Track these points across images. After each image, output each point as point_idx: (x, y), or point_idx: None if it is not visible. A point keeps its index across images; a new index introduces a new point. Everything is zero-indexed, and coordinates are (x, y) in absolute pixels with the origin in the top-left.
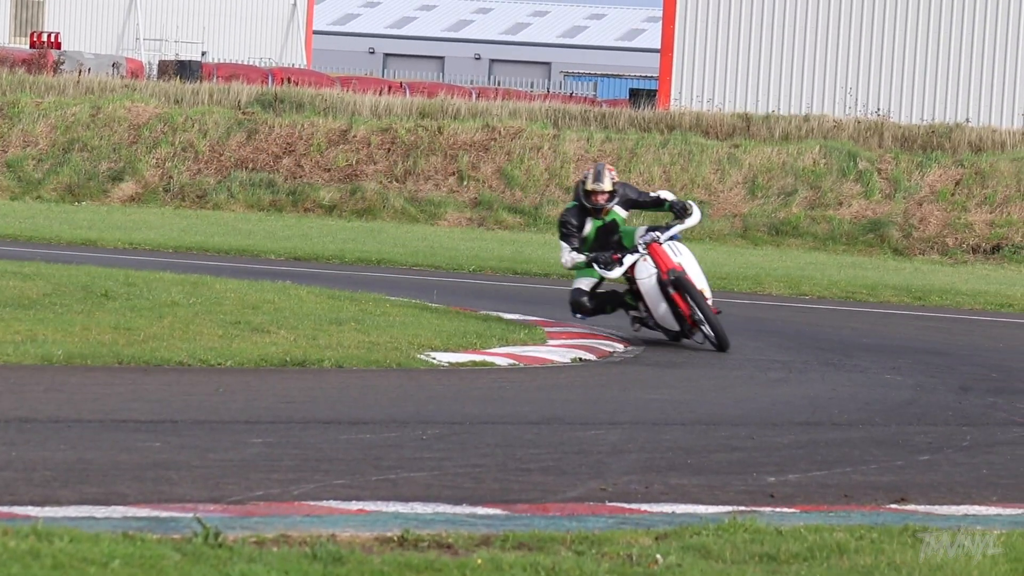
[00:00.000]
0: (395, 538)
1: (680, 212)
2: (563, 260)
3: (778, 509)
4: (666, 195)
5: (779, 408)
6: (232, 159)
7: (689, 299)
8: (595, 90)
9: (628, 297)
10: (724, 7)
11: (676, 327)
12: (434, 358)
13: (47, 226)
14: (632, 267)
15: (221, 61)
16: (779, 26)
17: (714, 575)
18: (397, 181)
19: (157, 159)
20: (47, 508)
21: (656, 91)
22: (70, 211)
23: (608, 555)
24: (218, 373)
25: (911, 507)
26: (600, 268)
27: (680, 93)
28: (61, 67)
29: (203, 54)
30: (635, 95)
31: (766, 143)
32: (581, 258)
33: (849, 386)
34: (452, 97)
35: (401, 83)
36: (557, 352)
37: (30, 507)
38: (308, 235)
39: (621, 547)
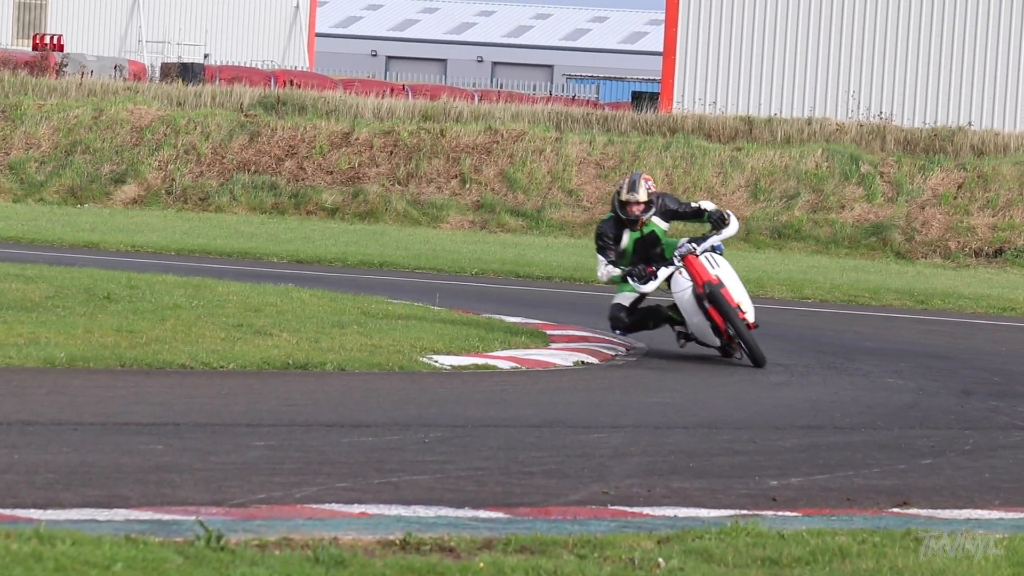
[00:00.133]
0: (397, 541)
1: (717, 223)
2: (599, 274)
3: (780, 513)
4: (707, 205)
5: (781, 411)
6: (234, 162)
7: (723, 313)
8: (597, 93)
9: (672, 312)
10: (726, 10)
11: (716, 342)
12: (436, 361)
13: (49, 228)
14: (669, 280)
15: (223, 63)
16: (781, 29)
17: None
18: (399, 184)
19: (159, 161)
20: (49, 511)
21: (658, 94)
22: (72, 213)
23: (610, 559)
24: (220, 376)
25: (913, 511)
26: (634, 282)
27: (682, 96)
28: (64, 69)
29: (205, 56)
30: (637, 98)
31: (768, 146)
32: (617, 272)
33: (851, 390)
34: (454, 100)
35: (403, 86)
36: (559, 355)
37: (32, 510)
38: (310, 238)
39: (623, 551)
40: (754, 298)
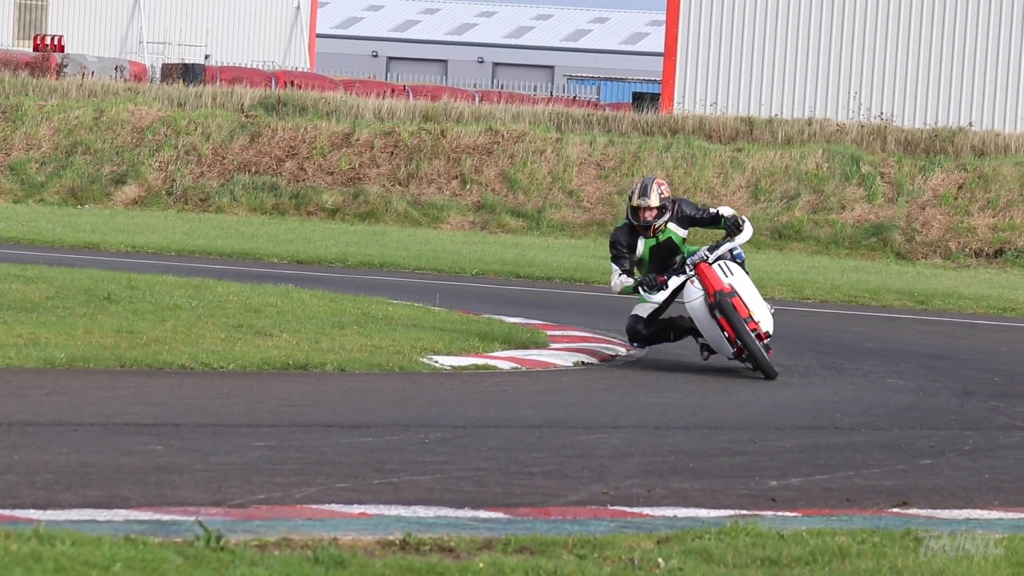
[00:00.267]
0: (397, 542)
1: (731, 229)
2: (612, 283)
3: (780, 513)
4: (725, 211)
5: (781, 412)
6: (235, 162)
7: (731, 323)
8: (598, 93)
9: (694, 323)
10: (727, 11)
11: (730, 351)
12: (436, 362)
13: (50, 229)
14: (681, 289)
15: (224, 64)
16: (782, 30)
17: None
18: (400, 184)
19: (160, 162)
20: (49, 511)
21: (659, 95)
22: (73, 214)
23: (610, 559)
24: (220, 376)
25: (913, 511)
26: (645, 292)
27: (683, 97)
28: (64, 70)
29: (206, 57)
30: (638, 99)
31: (769, 147)
32: (630, 282)
33: (851, 390)
34: (455, 100)
35: (404, 86)
36: (559, 356)
37: (32, 510)
38: (311, 238)
39: (623, 551)
40: None
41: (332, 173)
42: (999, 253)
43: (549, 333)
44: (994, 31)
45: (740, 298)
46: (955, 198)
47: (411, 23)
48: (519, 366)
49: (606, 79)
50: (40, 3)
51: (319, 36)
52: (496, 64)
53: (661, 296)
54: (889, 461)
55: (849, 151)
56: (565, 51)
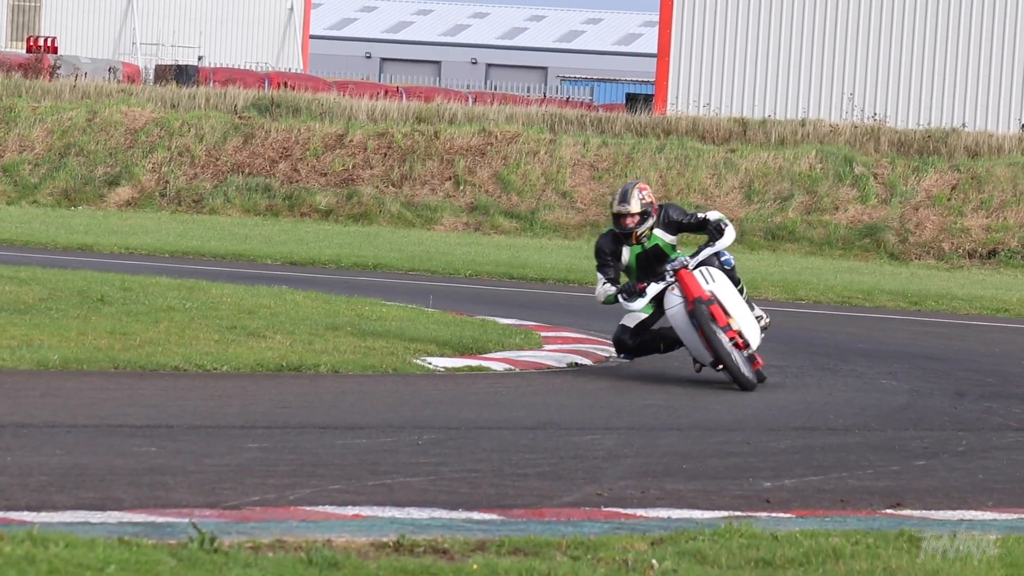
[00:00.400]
0: (391, 543)
1: (713, 233)
2: (596, 293)
3: (774, 514)
4: (711, 215)
5: (775, 413)
6: (228, 164)
7: (704, 331)
8: (592, 95)
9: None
10: (721, 12)
11: (709, 360)
12: (430, 363)
13: (43, 231)
14: (662, 296)
15: (218, 66)
16: (776, 31)
17: None
18: (393, 186)
19: (153, 164)
20: (43, 513)
21: (652, 96)
22: (66, 216)
23: (604, 560)
24: (214, 378)
25: (907, 512)
26: (624, 300)
27: (677, 98)
28: (58, 72)
29: (200, 59)
30: (632, 100)
31: (762, 148)
32: (612, 290)
33: (845, 391)
34: (448, 102)
35: (398, 88)
36: (553, 357)
37: (26, 512)
38: (304, 240)
39: (617, 552)
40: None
41: (325, 174)
42: (992, 254)
43: (543, 334)
44: (987, 32)
45: (720, 305)
46: (948, 199)
47: (404, 24)
48: (513, 367)
49: (599, 80)
50: (33, 4)
51: (312, 37)
52: (489, 65)
53: (640, 303)
54: (883, 462)
55: (842, 152)
56: (558, 52)
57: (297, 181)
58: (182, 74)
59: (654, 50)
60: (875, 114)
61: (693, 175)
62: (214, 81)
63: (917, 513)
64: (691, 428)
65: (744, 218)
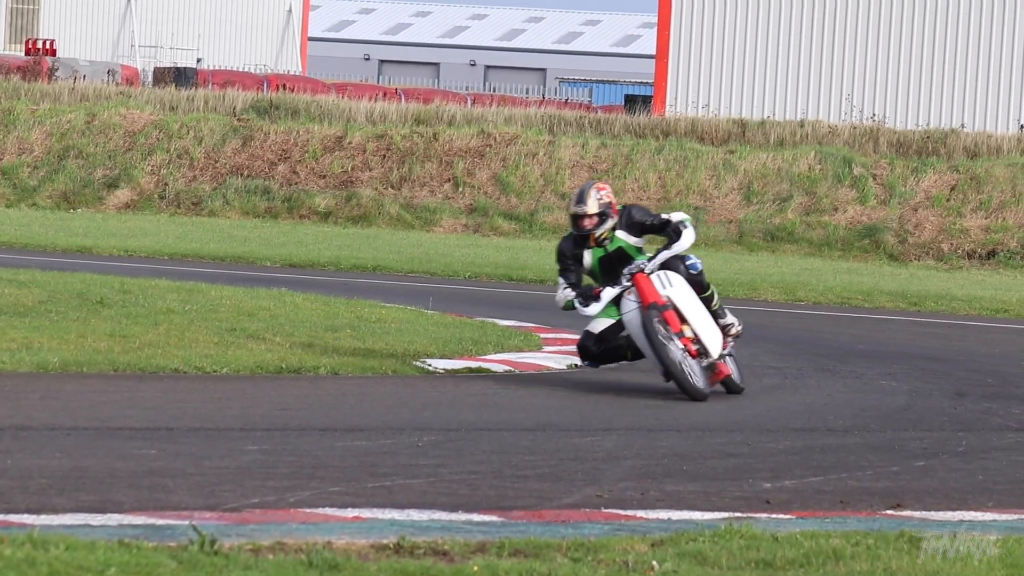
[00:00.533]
0: (391, 545)
1: (671, 235)
2: (556, 298)
3: (774, 515)
4: (675, 216)
5: (775, 414)
6: (227, 166)
7: (648, 337)
8: (590, 96)
9: None
10: (719, 13)
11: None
12: (429, 365)
13: (42, 233)
14: (619, 302)
15: (216, 68)
16: (774, 32)
17: None
18: (392, 188)
19: (152, 166)
20: (43, 516)
21: (651, 97)
22: (65, 218)
23: (604, 562)
24: (214, 380)
25: (907, 513)
26: (580, 305)
27: (675, 99)
28: (56, 74)
29: (198, 61)
30: (630, 101)
31: (761, 149)
32: (571, 295)
33: (844, 392)
34: (447, 103)
35: (396, 89)
36: (552, 358)
37: (26, 515)
38: (303, 242)
39: (617, 554)
40: (746, 301)
41: (324, 176)
42: (992, 254)
43: (542, 336)
44: (986, 32)
45: (676, 311)
46: (947, 200)
47: (403, 26)
48: (512, 369)
49: (598, 81)
50: (32, 7)
51: (311, 39)
52: (488, 67)
53: (595, 308)
54: (883, 463)
55: (841, 153)
56: (557, 54)
57: (296, 183)
58: (181, 76)
59: (653, 51)
60: (874, 115)
61: (692, 176)
62: (213, 83)
63: (917, 514)
64: (691, 429)
65: (743, 219)
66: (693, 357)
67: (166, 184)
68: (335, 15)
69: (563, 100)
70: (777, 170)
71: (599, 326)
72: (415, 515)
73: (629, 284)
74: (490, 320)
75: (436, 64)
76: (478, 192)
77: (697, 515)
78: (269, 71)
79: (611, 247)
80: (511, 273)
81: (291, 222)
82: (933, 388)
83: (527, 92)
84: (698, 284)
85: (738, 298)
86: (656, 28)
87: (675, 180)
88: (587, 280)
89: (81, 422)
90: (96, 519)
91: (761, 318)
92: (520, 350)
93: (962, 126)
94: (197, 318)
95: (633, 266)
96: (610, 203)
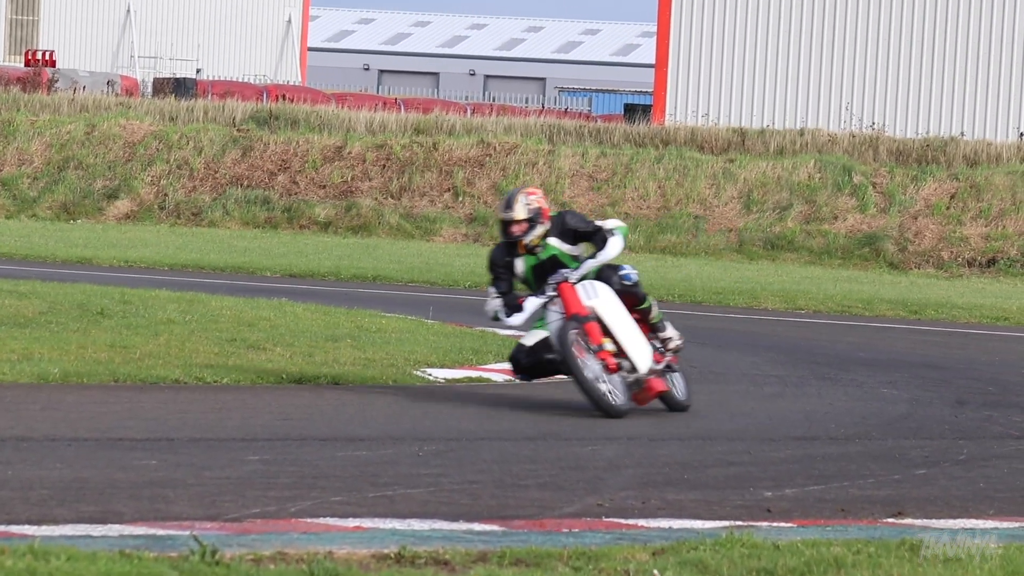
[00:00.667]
0: (392, 555)
1: (599, 243)
2: (485, 308)
3: (775, 524)
4: (610, 223)
5: (775, 423)
6: (227, 176)
7: (561, 349)
8: (590, 105)
9: None
10: (719, 22)
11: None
12: (430, 374)
13: (42, 244)
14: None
15: (216, 78)
16: (774, 41)
17: None
18: (392, 197)
19: (152, 177)
20: (44, 527)
21: (651, 106)
22: (65, 229)
23: (605, 571)
24: (214, 391)
25: (908, 521)
26: (503, 316)
27: (675, 108)
28: (56, 85)
29: (198, 71)
30: (630, 110)
31: (761, 157)
32: (497, 304)
33: (845, 400)
34: (447, 113)
35: (396, 99)
36: None
37: (27, 526)
38: (303, 252)
39: (618, 563)
40: (747, 310)
41: (324, 186)
42: (992, 262)
43: None
44: (985, 41)
45: (600, 323)
46: (947, 208)
47: (402, 36)
48: (512, 378)
49: (598, 91)
50: (31, 18)
51: (310, 50)
52: (488, 76)
53: (518, 319)
54: (883, 471)
55: (841, 161)
56: (556, 63)
57: (296, 193)
58: (180, 87)
59: (652, 60)
60: (873, 123)
61: (692, 185)
62: (212, 94)
63: (918, 522)
64: (692, 438)
65: (743, 228)
66: (612, 371)
67: (166, 195)
68: (334, 25)
69: (563, 109)
70: (777, 179)
71: (533, 338)
72: (416, 525)
73: (555, 294)
74: (490, 330)
75: (436, 74)
76: (478, 201)
77: (698, 524)
78: (269, 81)
79: (544, 255)
80: None
81: (291, 232)
82: (934, 396)
83: (527, 101)
84: (633, 295)
85: (738, 307)
86: (655, 37)
87: (675, 189)
88: (523, 289)
89: (82, 433)
90: (97, 530)
91: (761, 327)
92: None
93: (962, 134)
94: (197, 328)
95: (558, 275)
96: (540, 209)
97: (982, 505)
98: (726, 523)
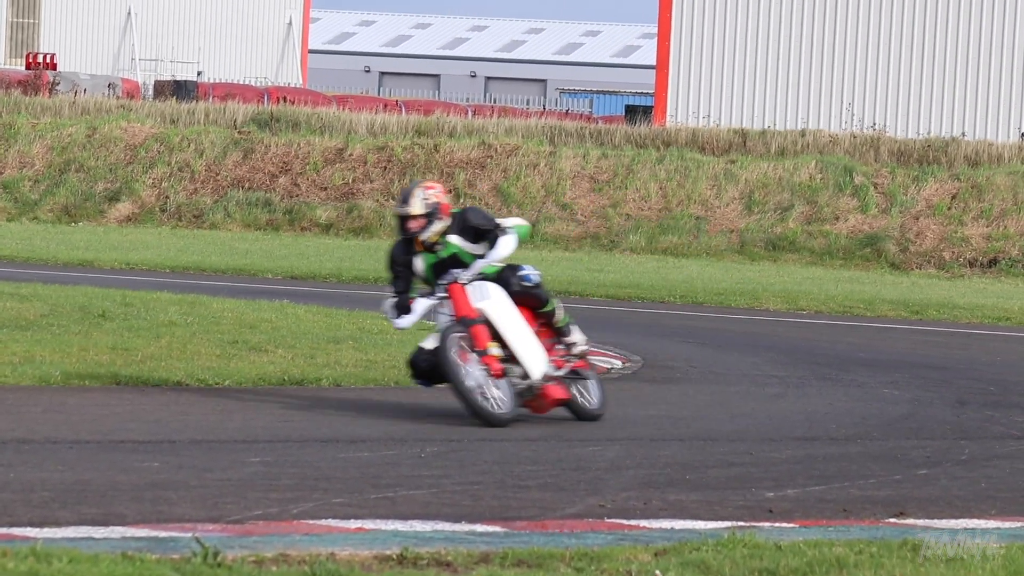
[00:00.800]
0: (394, 556)
1: (492, 242)
2: (381, 308)
3: (777, 524)
4: (510, 222)
5: (776, 423)
6: (228, 178)
7: (442, 355)
8: (591, 107)
9: None
10: (720, 23)
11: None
12: None
13: (44, 247)
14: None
15: (217, 81)
16: (775, 42)
17: None
18: (393, 199)
19: (153, 179)
20: (46, 529)
21: (652, 107)
22: (67, 232)
23: (607, 571)
24: (216, 392)
25: (910, 521)
26: (391, 318)
27: (676, 109)
28: (57, 88)
29: (199, 74)
30: (631, 111)
31: (762, 158)
32: (390, 304)
33: (846, 401)
34: (448, 115)
35: (397, 101)
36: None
37: (29, 528)
38: (305, 254)
39: (620, 563)
40: (749, 310)
41: (326, 188)
42: (993, 263)
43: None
44: (986, 42)
45: (489, 326)
46: (949, 208)
47: (403, 38)
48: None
49: (599, 92)
50: (32, 21)
51: (311, 52)
52: (488, 78)
53: (406, 322)
54: (885, 471)
55: (842, 162)
56: (557, 64)
57: (297, 195)
58: (181, 89)
59: (653, 62)
60: (875, 124)
61: (693, 186)
62: (213, 96)
63: (920, 522)
64: (693, 439)
65: (744, 229)
66: (497, 377)
67: (167, 197)
68: (335, 27)
69: (564, 111)
70: (778, 179)
71: (433, 341)
72: (418, 526)
73: (445, 295)
74: None
75: (436, 76)
76: (479, 203)
77: (700, 524)
78: (270, 84)
79: (444, 253)
80: None
81: (292, 234)
82: (935, 396)
83: (528, 103)
84: (534, 297)
85: (740, 307)
86: (656, 39)
87: (676, 190)
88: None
89: (83, 435)
90: (99, 532)
91: (763, 327)
92: None
93: (963, 135)
94: (199, 331)
95: (449, 276)
96: (438, 204)
97: (984, 505)
98: (728, 524)
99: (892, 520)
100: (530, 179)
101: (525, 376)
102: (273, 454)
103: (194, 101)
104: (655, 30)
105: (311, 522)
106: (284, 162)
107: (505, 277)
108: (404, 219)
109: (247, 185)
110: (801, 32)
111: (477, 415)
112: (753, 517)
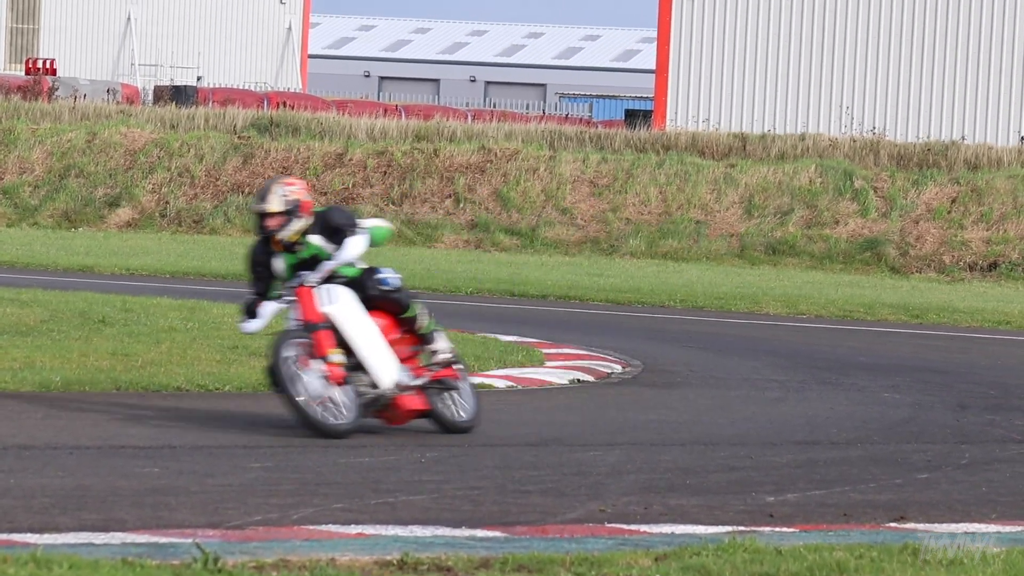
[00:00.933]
0: (395, 561)
1: (340, 242)
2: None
3: (777, 529)
4: (371, 223)
5: (777, 427)
6: (228, 183)
7: (273, 363)
8: (591, 111)
9: None
10: (719, 27)
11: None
12: None
13: (44, 252)
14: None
15: (216, 86)
16: (774, 46)
17: None
18: (393, 204)
19: (153, 184)
20: (46, 535)
21: (652, 111)
22: (67, 237)
23: None
24: (216, 398)
25: (910, 525)
26: (238, 321)
27: (676, 113)
28: (56, 93)
29: (198, 79)
30: (631, 116)
31: (762, 162)
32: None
33: (847, 405)
34: (448, 120)
35: (397, 106)
36: (555, 373)
37: (29, 534)
38: None
39: (621, 568)
40: (749, 315)
41: (326, 193)
42: (993, 266)
43: (544, 351)
44: (985, 46)
45: (335, 331)
46: (948, 212)
47: (403, 43)
48: (515, 384)
49: (598, 96)
50: (31, 27)
51: (311, 57)
52: (488, 83)
53: (254, 326)
54: (885, 476)
55: (842, 166)
56: (557, 69)
57: None
58: (181, 95)
59: (653, 66)
60: (874, 128)
61: (693, 191)
62: (213, 101)
63: (920, 526)
64: (693, 443)
65: (744, 233)
66: (338, 384)
67: (167, 202)
68: (335, 32)
69: (563, 115)
70: (778, 184)
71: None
72: (418, 531)
73: (293, 299)
74: (492, 335)
75: (436, 80)
76: (479, 208)
77: (700, 529)
78: (269, 89)
79: (304, 253)
80: (513, 288)
81: None
82: (935, 400)
83: (527, 107)
84: (394, 302)
85: (740, 312)
86: (656, 43)
87: (676, 194)
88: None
89: (83, 441)
90: (99, 538)
91: (763, 331)
92: (522, 365)
93: (963, 138)
94: (199, 336)
95: (297, 278)
96: (299, 201)
97: (984, 509)
98: (728, 528)
99: (893, 524)
100: (530, 183)
101: (375, 385)
102: (273, 459)
103: (194, 106)
104: (655, 34)
105: (311, 527)
106: (284, 167)
107: (362, 280)
108: (262, 216)
109: (247, 190)
110: (800, 36)
111: (307, 426)
112: (754, 521)
